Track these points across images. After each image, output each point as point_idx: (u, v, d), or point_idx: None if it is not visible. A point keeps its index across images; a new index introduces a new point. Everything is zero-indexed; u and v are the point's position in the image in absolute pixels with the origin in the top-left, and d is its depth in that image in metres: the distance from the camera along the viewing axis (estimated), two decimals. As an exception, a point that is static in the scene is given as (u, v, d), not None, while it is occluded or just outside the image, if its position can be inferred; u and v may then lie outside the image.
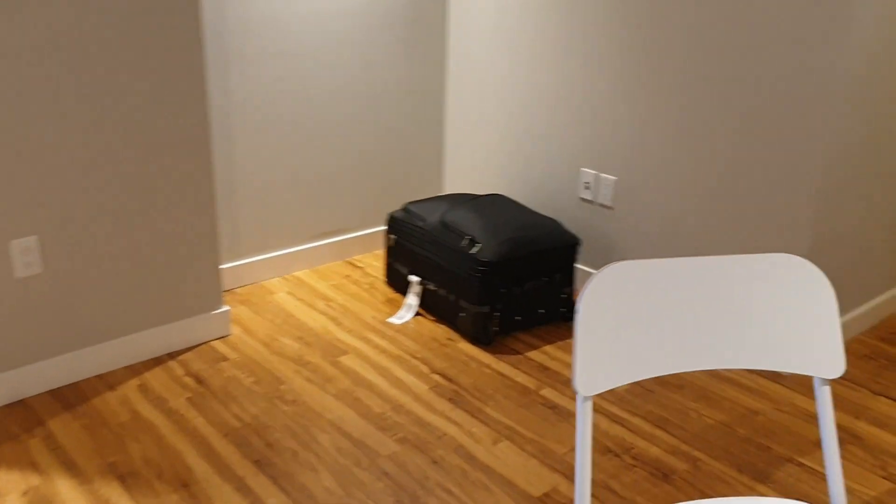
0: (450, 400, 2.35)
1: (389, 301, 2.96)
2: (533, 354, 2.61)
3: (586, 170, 2.95)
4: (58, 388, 2.35)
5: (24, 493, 1.92)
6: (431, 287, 2.81)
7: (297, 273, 3.18)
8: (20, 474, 1.98)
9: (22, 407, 2.26)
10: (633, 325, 1.16)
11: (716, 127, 2.55)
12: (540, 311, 2.74)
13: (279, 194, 3.05)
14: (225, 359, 2.54)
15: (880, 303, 2.86)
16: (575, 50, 2.89)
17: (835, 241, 2.53)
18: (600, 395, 2.38)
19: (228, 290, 3.01)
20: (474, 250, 2.60)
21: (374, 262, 3.30)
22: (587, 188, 2.97)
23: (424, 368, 2.52)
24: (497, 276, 2.60)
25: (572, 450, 2.14)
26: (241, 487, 1.97)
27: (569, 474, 2.04)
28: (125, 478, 1.99)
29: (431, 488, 1.98)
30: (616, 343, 1.15)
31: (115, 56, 2.22)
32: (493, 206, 2.84)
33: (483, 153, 3.35)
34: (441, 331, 2.75)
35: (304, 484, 1.99)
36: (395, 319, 2.82)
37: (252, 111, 2.89)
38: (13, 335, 2.24)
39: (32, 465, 2.02)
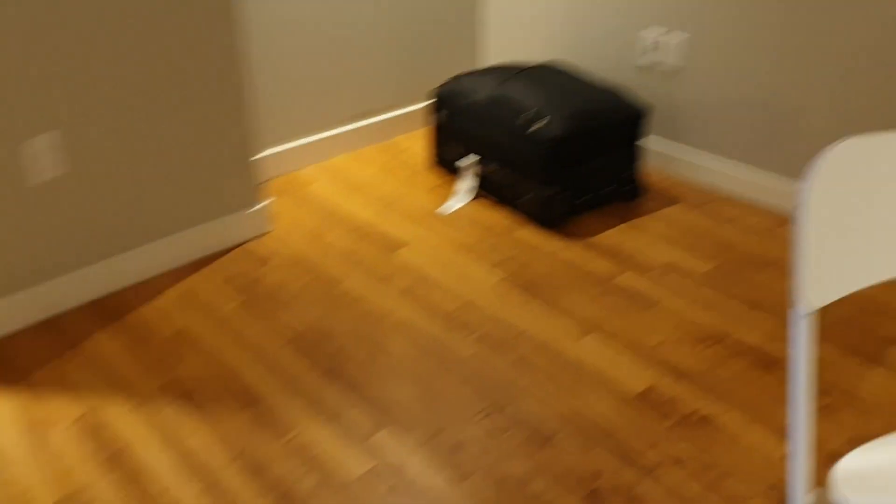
0: (522, 293, 2.15)
1: (439, 186, 2.71)
2: (600, 239, 2.40)
3: (651, 28, 2.64)
4: (92, 300, 2.12)
5: (75, 422, 1.72)
6: (488, 169, 2.55)
7: (333, 160, 2.90)
8: (65, 400, 1.78)
9: (56, 324, 2.03)
10: (872, 218, 0.93)
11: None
12: (603, 190, 2.50)
13: (307, 73, 2.73)
14: (270, 259, 2.30)
15: None
16: None
17: None
18: (678, 272, 2.19)
19: (260, 183, 2.75)
20: (539, 125, 2.34)
21: (415, 144, 3.03)
22: (650, 50, 2.66)
23: (488, 259, 2.30)
24: (563, 154, 2.34)
25: (663, 342, 1.96)
26: (315, 401, 1.78)
27: (665, 369, 1.87)
28: (183, 399, 1.79)
29: (522, 391, 1.80)
30: (851, 240, 0.92)
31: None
32: (550, 75, 2.54)
33: (528, 17, 3.02)
34: (499, 217, 2.52)
35: (382, 393, 1.80)
36: (449, 206, 2.57)
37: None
38: (39, 244, 1.99)
39: (76, 390, 1.81)
